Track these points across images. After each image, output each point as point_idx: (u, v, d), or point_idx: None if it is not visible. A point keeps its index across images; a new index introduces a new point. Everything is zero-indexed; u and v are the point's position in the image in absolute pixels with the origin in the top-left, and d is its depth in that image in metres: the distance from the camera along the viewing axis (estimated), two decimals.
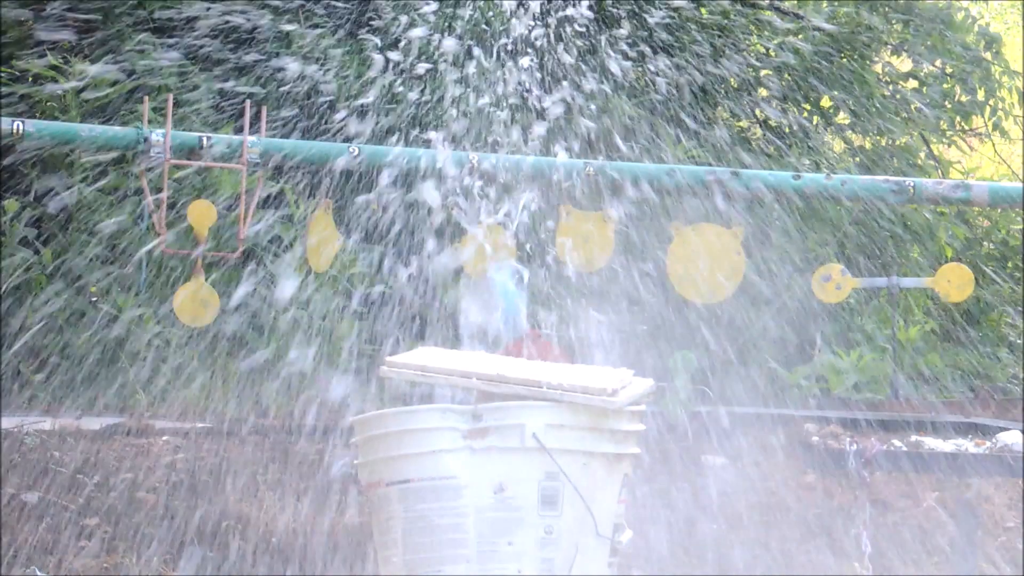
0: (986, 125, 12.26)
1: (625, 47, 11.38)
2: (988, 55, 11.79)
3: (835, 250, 10.34)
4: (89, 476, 6.19)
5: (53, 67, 8.36)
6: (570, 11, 10.91)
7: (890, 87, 12.42)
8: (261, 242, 8.37)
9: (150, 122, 5.12)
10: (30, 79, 8.64)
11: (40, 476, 6.13)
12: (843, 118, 12.54)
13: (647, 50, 12.17)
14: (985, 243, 11.84)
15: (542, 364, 4.03)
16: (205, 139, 5.19)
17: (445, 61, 9.89)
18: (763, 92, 12.75)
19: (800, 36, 12.27)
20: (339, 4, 9.93)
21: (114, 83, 8.40)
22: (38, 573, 5.50)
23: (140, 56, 9.28)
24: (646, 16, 11.98)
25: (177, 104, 6.16)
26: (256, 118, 5.44)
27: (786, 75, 12.43)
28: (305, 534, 5.91)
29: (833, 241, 10.34)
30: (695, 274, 5.31)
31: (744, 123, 13.11)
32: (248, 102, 5.21)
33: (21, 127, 5.04)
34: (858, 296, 9.59)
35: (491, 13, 9.95)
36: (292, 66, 9.34)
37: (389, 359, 3.93)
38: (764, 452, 6.91)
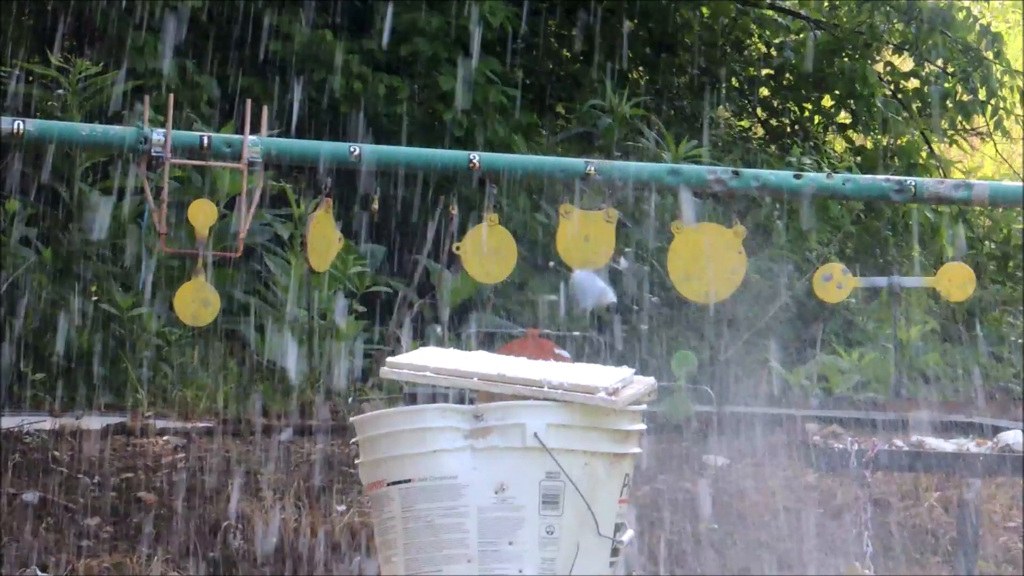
0: (987, 124, 12.25)
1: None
2: (989, 54, 11.79)
3: (836, 250, 10.34)
4: (89, 476, 6.19)
5: (54, 67, 8.35)
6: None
7: (891, 86, 12.42)
8: (262, 242, 8.38)
9: (150, 121, 5.11)
10: (30, 79, 8.63)
11: (40, 476, 6.13)
12: (844, 117, 12.54)
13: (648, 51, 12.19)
14: (986, 242, 11.84)
15: (543, 364, 4.01)
16: (206, 138, 5.17)
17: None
18: (764, 92, 12.75)
19: (801, 35, 12.27)
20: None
21: (114, 83, 8.40)
22: (38, 573, 5.49)
23: (140, 55, 9.28)
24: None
25: (178, 104, 6.13)
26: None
27: (787, 74, 12.43)
28: (305, 534, 5.91)
29: (834, 240, 10.34)
30: (696, 273, 5.30)
31: (745, 122, 13.11)
32: (249, 101, 5.19)
33: (21, 127, 5.03)
34: (859, 296, 9.59)
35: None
36: None
37: (390, 360, 3.92)
38: (765, 452, 6.91)
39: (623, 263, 8.59)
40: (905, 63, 12.63)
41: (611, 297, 5.67)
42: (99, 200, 7.97)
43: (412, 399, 6.40)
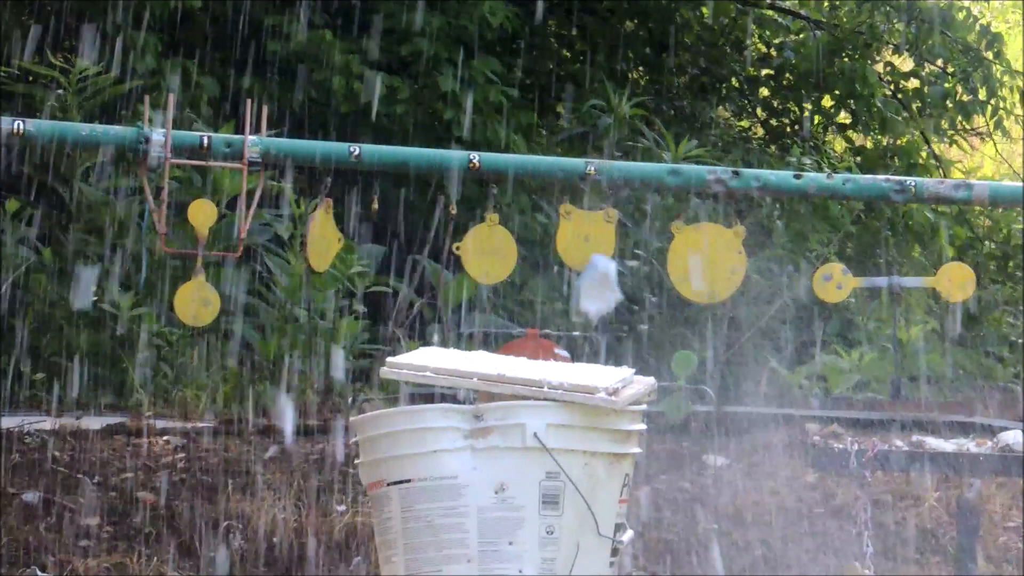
0: (987, 124, 12.26)
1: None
2: (989, 54, 11.79)
3: (836, 250, 10.34)
4: (89, 476, 6.18)
5: (53, 67, 8.35)
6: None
7: (891, 86, 12.43)
8: (262, 242, 8.37)
9: (150, 121, 5.11)
10: (30, 79, 8.63)
11: (40, 476, 6.12)
12: (844, 117, 12.54)
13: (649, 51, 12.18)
14: (986, 242, 11.85)
15: (543, 364, 4.01)
16: (206, 139, 5.17)
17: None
18: (764, 92, 12.75)
19: (801, 35, 12.27)
20: None
21: (114, 83, 8.40)
22: (38, 573, 5.49)
23: (140, 55, 9.28)
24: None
25: (178, 104, 6.14)
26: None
27: (787, 74, 12.43)
28: (305, 534, 5.91)
29: (834, 240, 10.34)
30: (696, 274, 5.30)
31: (745, 122, 13.11)
32: (249, 101, 5.19)
33: (21, 127, 5.03)
34: (859, 296, 9.59)
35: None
36: None
37: (390, 360, 3.92)
38: (765, 452, 6.91)
39: (623, 263, 8.58)
40: (905, 63, 12.63)
41: (619, 297, 5.67)
42: (99, 200, 7.98)
43: (412, 399, 6.40)
